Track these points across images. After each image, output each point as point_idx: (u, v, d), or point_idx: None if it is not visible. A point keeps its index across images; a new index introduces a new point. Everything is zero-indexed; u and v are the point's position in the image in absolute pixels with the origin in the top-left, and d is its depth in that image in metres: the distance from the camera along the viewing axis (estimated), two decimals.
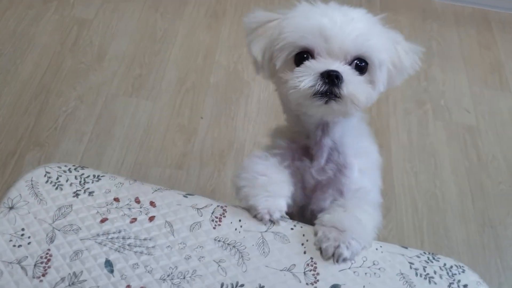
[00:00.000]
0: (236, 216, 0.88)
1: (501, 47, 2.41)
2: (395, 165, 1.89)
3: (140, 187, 0.91)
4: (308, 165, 0.95)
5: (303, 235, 0.88)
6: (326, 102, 0.81)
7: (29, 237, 0.81)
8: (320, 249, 0.86)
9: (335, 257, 0.85)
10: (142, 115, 1.92)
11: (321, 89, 0.80)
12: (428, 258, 0.89)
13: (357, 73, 0.83)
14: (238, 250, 0.85)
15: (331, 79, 0.79)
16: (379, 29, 0.87)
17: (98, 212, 0.85)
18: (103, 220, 0.85)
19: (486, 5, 2.60)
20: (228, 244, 0.85)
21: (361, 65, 0.84)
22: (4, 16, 2.18)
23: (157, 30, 2.25)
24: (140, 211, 0.87)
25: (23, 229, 0.82)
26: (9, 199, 0.85)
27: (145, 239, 0.84)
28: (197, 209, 0.89)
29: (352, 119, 0.94)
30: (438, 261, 0.89)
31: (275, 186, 0.90)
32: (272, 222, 0.89)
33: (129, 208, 0.87)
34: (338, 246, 0.85)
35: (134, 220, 0.86)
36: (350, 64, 0.83)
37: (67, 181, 0.88)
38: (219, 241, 0.85)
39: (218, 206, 0.90)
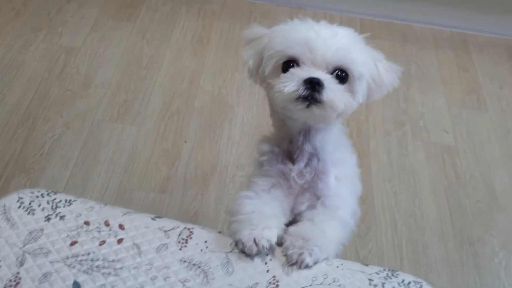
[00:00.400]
0: (202, 237, 0.92)
1: (479, 69, 2.47)
2: (375, 185, 1.93)
3: (110, 211, 0.94)
4: (290, 168, 1.01)
5: (267, 254, 0.91)
6: (308, 106, 0.88)
7: None
8: (286, 256, 0.92)
9: (298, 263, 0.91)
10: (127, 140, 1.97)
11: (303, 94, 0.87)
12: (387, 274, 0.92)
13: (337, 82, 0.91)
14: (203, 270, 0.88)
15: (313, 85, 0.87)
16: (361, 46, 0.95)
17: (68, 235, 0.89)
18: (73, 243, 0.88)
19: (464, 28, 2.67)
20: (193, 264, 0.89)
21: (341, 75, 0.91)
22: None
23: (143, 57, 2.31)
24: (109, 234, 0.91)
25: None
26: None
27: (113, 261, 0.87)
28: (165, 231, 0.92)
29: (333, 129, 1.01)
30: (397, 277, 0.92)
31: (262, 219, 0.94)
32: (260, 253, 0.91)
33: (98, 231, 0.91)
34: (302, 253, 0.90)
35: (103, 242, 0.89)
36: (331, 74, 0.90)
37: (39, 206, 0.92)
38: (184, 261, 0.89)
39: (185, 228, 0.93)
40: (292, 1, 2.71)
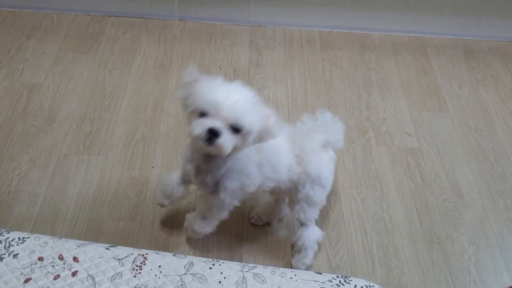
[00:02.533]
0: (156, 262, 0.94)
1: (437, 71, 2.53)
2: (342, 193, 1.96)
3: (64, 244, 0.95)
4: (193, 178, 1.50)
5: (221, 272, 0.93)
6: (207, 146, 1.27)
7: None
8: None
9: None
10: (94, 171, 1.97)
11: (204, 138, 1.25)
12: (340, 281, 0.94)
13: (232, 132, 1.26)
14: None
15: (212, 132, 1.24)
16: (255, 109, 1.28)
17: (22, 273, 0.90)
18: (26, 280, 0.89)
19: (420, 32, 2.74)
20: None
21: (236, 128, 1.26)
22: None
23: (106, 87, 2.33)
24: (63, 267, 0.92)
25: None
26: None
27: None
28: (119, 259, 0.94)
29: (233, 156, 1.37)
30: (349, 283, 0.94)
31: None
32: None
33: (52, 266, 0.92)
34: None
35: (57, 276, 0.90)
36: (229, 127, 1.25)
37: None
38: None
39: (139, 254, 0.95)
40: (251, 20, 2.75)
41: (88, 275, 0.91)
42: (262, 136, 1.33)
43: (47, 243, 0.95)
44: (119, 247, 0.97)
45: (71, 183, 1.93)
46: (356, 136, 2.18)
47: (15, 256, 0.92)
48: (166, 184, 1.65)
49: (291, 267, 1.70)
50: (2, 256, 0.92)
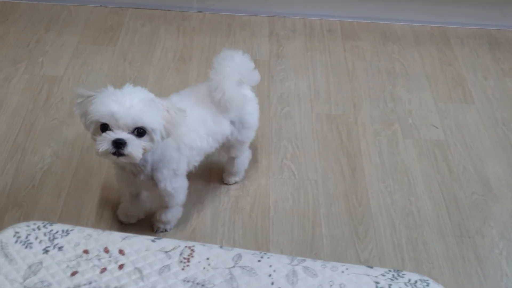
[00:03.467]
0: (203, 255, 0.91)
1: (462, 61, 2.50)
2: (369, 187, 1.93)
3: (108, 237, 0.93)
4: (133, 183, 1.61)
5: (270, 265, 0.91)
6: (117, 157, 1.30)
7: None
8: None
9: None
10: None
11: (112, 151, 1.28)
12: (393, 275, 0.92)
13: (137, 137, 1.30)
14: None
15: (118, 144, 1.27)
16: (152, 106, 1.31)
17: (68, 266, 0.88)
18: (73, 273, 0.87)
19: (443, 22, 2.70)
20: (197, 283, 0.88)
21: (140, 131, 1.30)
22: None
23: (127, 79, 2.30)
24: (110, 260, 0.89)
25: None
26: None
27: (115, 287, 0.86)
28: (165, 252, 0.91)
29: (155, 152, 1.44)
30: (403, 277, 0.92)
31: None
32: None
33: (98, 259, 0.89)
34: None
35: (104, 269, 0.88)
36: (133, 132, 1.30)
37: (36, 238, 0.91)
38: (188, 281, 0.88)
39: (186, 247, 0.93)
40: (271, 11, 2.72)
41: (135, 268, 0.89)
42: (168, 129, 1.36)
43: (91, 235, 0.93)
44: (165, 239, 0.94)
45: (95, 176, 1.91)
46: (381, 129, 2.15)
47: (60, 248, 0.90)
48: (123, 206, 1.77)
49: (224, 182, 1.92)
50: (47, 248, 0.90)
